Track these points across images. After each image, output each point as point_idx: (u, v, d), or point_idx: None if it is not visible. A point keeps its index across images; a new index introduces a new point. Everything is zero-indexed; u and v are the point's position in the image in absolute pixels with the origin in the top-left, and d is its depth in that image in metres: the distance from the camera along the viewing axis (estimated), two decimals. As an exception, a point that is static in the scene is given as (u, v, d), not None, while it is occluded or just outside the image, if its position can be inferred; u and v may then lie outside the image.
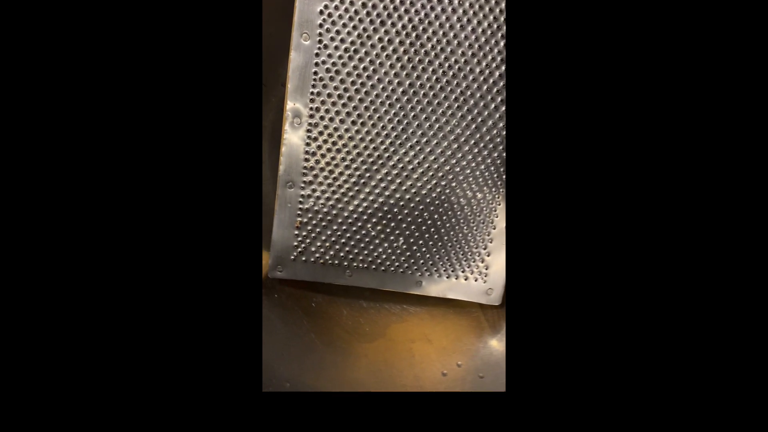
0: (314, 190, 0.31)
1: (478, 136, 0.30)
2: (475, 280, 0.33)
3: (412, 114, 0.29)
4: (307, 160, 0.30)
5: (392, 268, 0.33)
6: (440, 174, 0.31)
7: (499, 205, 0.32)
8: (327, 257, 0.32)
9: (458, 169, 0.31)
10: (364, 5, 0.28)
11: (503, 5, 0.28)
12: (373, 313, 0.33)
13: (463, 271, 0.33)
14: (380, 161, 0.30)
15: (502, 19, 0.28)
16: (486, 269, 0.33)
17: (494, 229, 0.32)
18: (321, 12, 0.28)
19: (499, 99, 0.29)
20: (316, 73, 0.29)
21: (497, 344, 0.32)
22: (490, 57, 0.29)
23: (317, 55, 0.28)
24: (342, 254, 0.32)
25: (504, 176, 0.31)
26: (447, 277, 0.33)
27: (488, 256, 0.33)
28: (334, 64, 0.28)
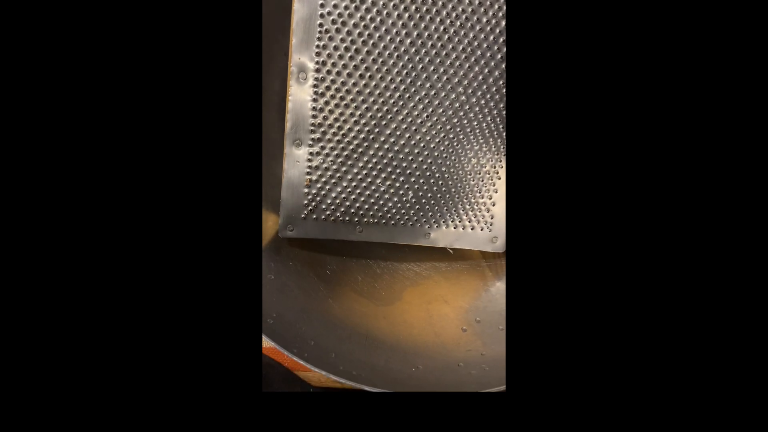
0: (323, 148, 0.30)
1: (484, 87, 0.30)
2: (481, 230, 0.34)
3: (420, 66, 0.29)
4: (314, 116, 0.30)
5: (402, 222, 0.33)
6: (448, 127, 0.31)
7: (504, 155, 0.32)
8: (338, 214, 0.32)
9: (465, 121, 0.31)
10: (370, -49, 0.27)
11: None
12: (387, 279, 0.34)
13: (469, 221, 0.34)
14: (389, 116, 0.30)
15: (510, -35, 0.28)
16: (491, 218, 0.34)
17: (499, 179, 0.33)
18: (325, -41, 0.27)
19: (505, 50, 0.29)
20: (321, 25, 0.28)
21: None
22: (496, 6, 0.28)
23: (322, 5, 0.27)
24: (353, 210, 0.32)
25: (509, 127, 0.32)
26: (454, 228, 0.34)
27: (493, 206, 0.34)
28: (340, 15, 0.28)
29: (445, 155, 0.32)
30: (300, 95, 0.29)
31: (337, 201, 0.32)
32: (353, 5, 0.27)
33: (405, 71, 0.29)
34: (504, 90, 0.31)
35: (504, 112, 0.31)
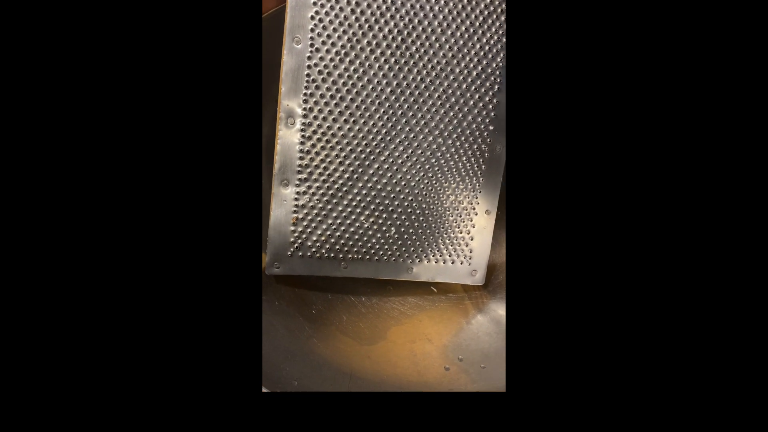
0: (309, 187, 0.32)
1: (459, 130, 0.33)
2: (461, 263, 0.36)
3: (400, 112, 0.32)
4: (301, 158, 0.31)
5: (385, 258, 0.35)
6: (427, 166, 0.33)
7: (480, 192, 0.35)
8: (323, 251, 0.33)
9: (443, 161, 0.33)
10: (353, 11, 0.30)
11: (479, 11, 0.31)
12: (372, 318, 0.35)
13: (449, 255, 0.36)
14: (372, 157, 0.32)
15: (478, 24, 0.31)
16: (470, 252, 0.36)
17: (476, 215, 0.35)
18: (312, 18, 0.29)
19: (477, 96, 0.32)
20: (308, 75, 0.30)
21: (495, 339, 0.35)
22: (468, 58, 0.32)
23: (309, 58, 0.30)
24: (337, 247, 0.34)
25: (483, 167, 0.34)
26: (435, 262, 0.36)
27: (471, 240, 0.36)
28: (325, 66, 0.30)
29: (425, 193, 0.34)
30: (288, 138, 0.31)
31: (323, 238, 0.33)
32: (338, 57, 0.30)
33: (386, 116, 0.32)
34: (477, 132, 0.33)
35: (478, 153, 0.34)
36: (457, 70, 0.32)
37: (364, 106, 0.31)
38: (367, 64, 0.30)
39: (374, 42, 0.30)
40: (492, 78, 0.32)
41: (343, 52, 0.30)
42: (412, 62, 0.31)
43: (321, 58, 0.30)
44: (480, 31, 0.31)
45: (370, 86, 0.31)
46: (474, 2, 0.31)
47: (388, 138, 0.32)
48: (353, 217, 0.33)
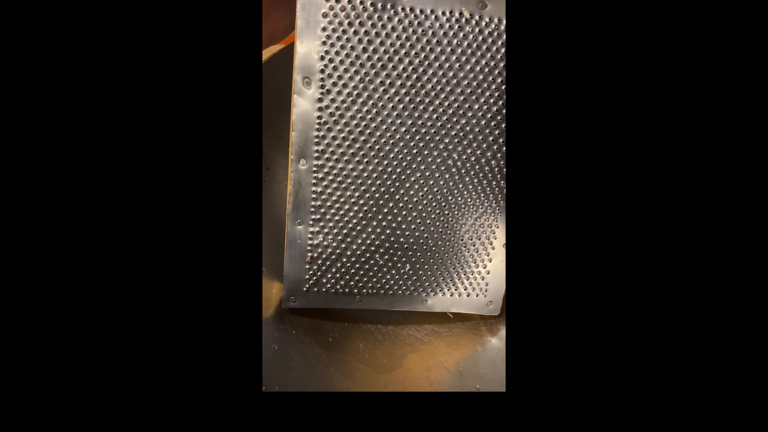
0: (323, 227, 0.32)
1: (477, 167, 0.31)
2: (477, 296, 0.36)
3: (415, 151, 0.30)
4: (314, 198, 0.31)
5: (400, 291, 0.35)
6: (444, 204, 0.32)
7: (498, 228, 0.34)
8: (338, 287, 0.34)
9: (460, 199, 0.32)
10: (364, 50, 0.28)
11: (501, 42, 0.29)
12: (388, 345, 0.35)
13: (465, 289, 0.35)
14: (386, 196, 0.31)
15: (499, 56, 0.29)
16: (486, 285, 0.35)
17: (493, 249, 0.34)
18: (322, 58, 0.28)
19: (497, 132, 0.31)
20: (320, 117, 0.29)
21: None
22: (487, 93, 0.30)
23: (320, 100, 0.29)
24: (352, 283, 0.34)
25: (501, 202, 0.33)
26: (450, 295, 0.35)
27: (488, 273, 0.35)
28: (337, 108, 0.29)
29: (441, 230, 0.33)
30: (301, 179, 0.30)
31: (338, 275, 0.33)
32: (350, 99, 0.29)
33: (401, 156, 0.30)
34: (496, 169, 0.32)
35: (496, 189, 0.32)
36: (476, 107, 0.30)
37: (377, 147, 0.30)
38: (380, 104, 0.29)
39: (387, 82, 0.29)
40: (513, 111, 0.31)
41: (355, 93, 0.29)
42: (427, 100, 0.29)
43: (332, 100, 0.29)
44: (501, 65, 0.29)
45: (384, 126, 0.30)
46: (496, 34, 0.29)
47: (403, 177, 0.31)
48: (368, 255, 0.33)
